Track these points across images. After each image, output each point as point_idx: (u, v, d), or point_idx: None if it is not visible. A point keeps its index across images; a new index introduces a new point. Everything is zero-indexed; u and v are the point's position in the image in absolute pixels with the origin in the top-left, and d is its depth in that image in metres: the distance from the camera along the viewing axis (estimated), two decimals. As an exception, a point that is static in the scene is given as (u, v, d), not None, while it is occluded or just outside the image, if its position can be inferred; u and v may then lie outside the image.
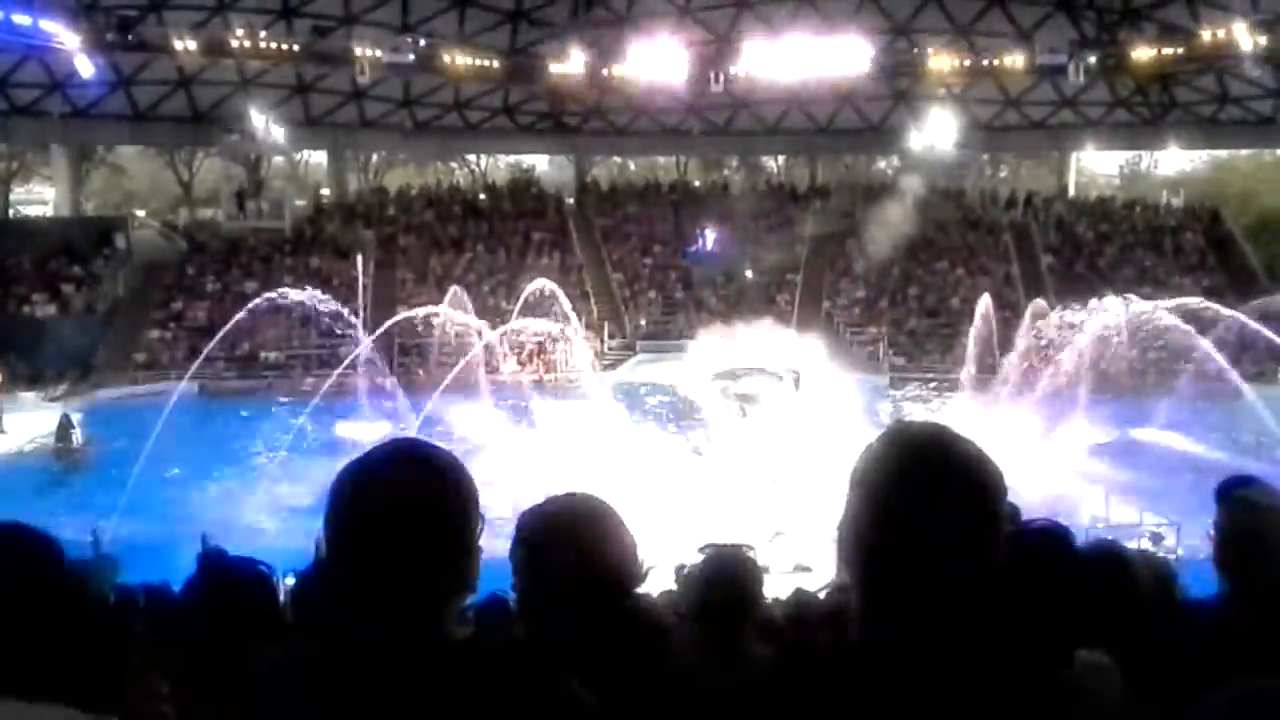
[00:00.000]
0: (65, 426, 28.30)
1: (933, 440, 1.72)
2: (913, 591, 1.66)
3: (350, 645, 1.73)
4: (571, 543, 2.33)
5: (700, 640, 3.60)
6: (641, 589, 2.55)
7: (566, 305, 33.49)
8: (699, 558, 3.92)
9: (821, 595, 7.31)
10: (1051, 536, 2.41)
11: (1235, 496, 3.02)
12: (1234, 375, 29.34)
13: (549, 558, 2.32)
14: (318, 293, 33.29)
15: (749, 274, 45.23)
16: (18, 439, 29.28)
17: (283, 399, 36.02)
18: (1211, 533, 3.09)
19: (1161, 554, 15.13)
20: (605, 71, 42.75)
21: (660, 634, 2.75)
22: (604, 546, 2.38)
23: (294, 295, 31.42)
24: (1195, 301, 32.00)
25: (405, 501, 1.72)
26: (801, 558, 16.16)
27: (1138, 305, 29.77)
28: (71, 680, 3.27)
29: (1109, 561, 2.71)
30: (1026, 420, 32.10)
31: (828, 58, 42.41)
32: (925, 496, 1.65)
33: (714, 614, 3.57)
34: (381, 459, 1.78)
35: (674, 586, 4.70)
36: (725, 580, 3.63)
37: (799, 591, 7.16)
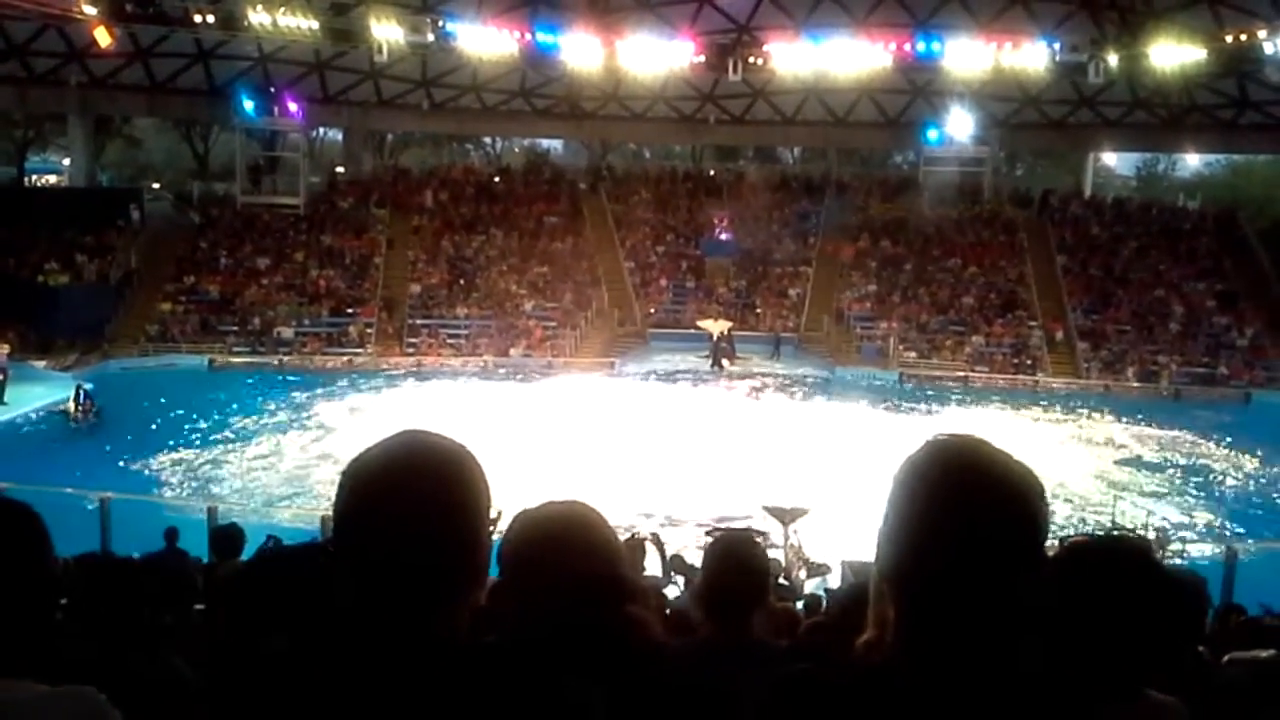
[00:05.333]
0: (80, 397, 28.39)
1: (972, 454, 1.70)
2: (951, 609, 1.63)
3: (353, 640, 1.71)
4: (567, 551, 2.28)
5: (708, 624, 3.58)
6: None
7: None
8: (708, 541, 3.89)
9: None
10: (1127, 557, 2.27)
11: None
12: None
13: (543, 567, 2.26)
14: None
15: (761, 266, 45.20)
16: (25, 408, 29.29)
17: (292, 375, 36.17)
18: None
19: (1168, 557, 15.13)
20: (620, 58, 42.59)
21: (654, 641, 2.72)
22: (599, 554, 2.34)
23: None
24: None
25: (416, 495, 1.70)
26: (818, 557, 16.12)
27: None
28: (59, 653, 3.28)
29: (1189, 592, 2.47)
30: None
31: (847, 53, 42.24)
32: (965, 511, 1.63)
33: (721, 597, 3.54)
34: (393, 451, 1.76)
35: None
36: (733, 564, 3.61)
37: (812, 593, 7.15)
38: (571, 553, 2.26)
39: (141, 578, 3.71)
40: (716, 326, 39.28)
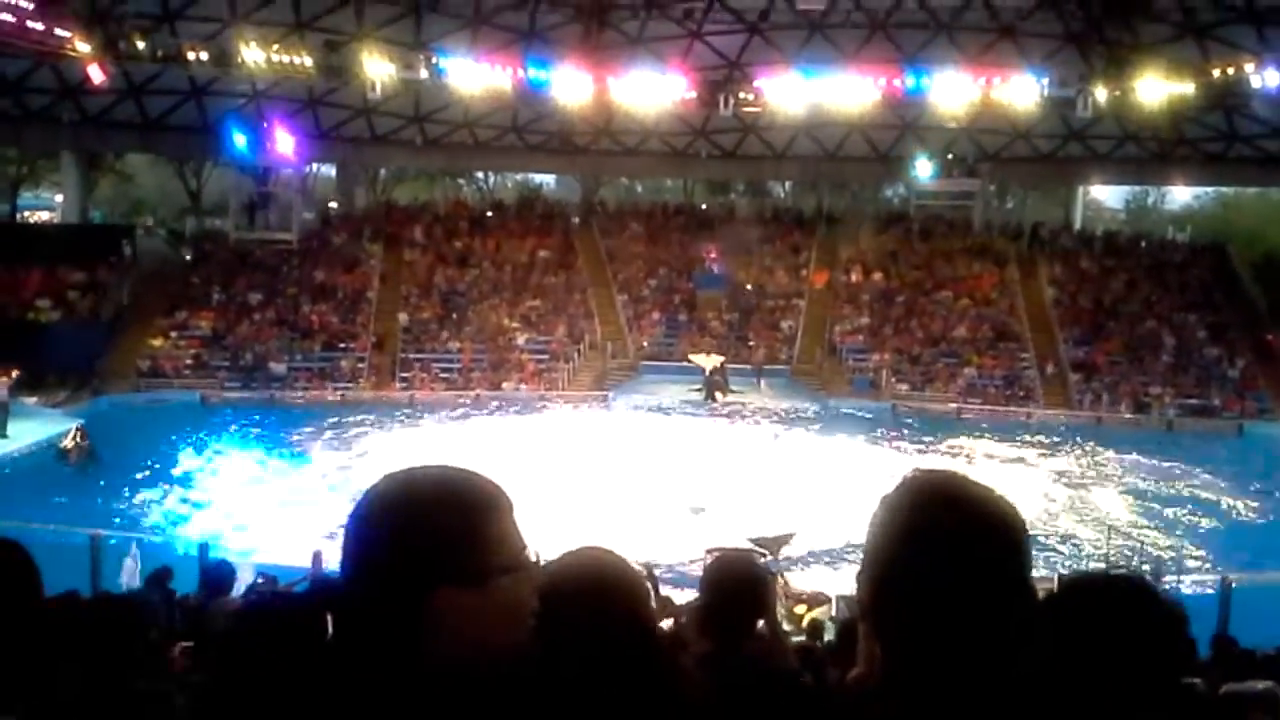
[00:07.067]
0: (76, 435, 28.28)
1: (946, 487, 1.68)
2: (929, 647, 1.62)
3: (370, 670, 1.67)
4: (614, 597, 2.26)
5: (704, 642, 3.57)
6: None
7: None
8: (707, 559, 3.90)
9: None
10: (1127, 595, 2.24)
11: None
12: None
13: (579, 620, 2.20)
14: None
15: (754, 298, 45.31)
16: (20, 443, 29.21)
17: (285, 411, 36.06)
18: None
19: (1164, 588, 15.06)
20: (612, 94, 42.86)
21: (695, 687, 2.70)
22: (635, 603, 2.33)
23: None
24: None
25: (440, 527, 1.65)
26: (813, 589, 16.06)
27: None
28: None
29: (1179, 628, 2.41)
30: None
31: (837, 89, 42.56)
32: (937, 548, 1.61)
33: (719, 615, 3.54)
34: (410, 483, 1.71)
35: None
36: (732, 582, 3.60)
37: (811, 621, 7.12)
38: (618, 599, 2.24)
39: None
40: (708, 361, 39.27)
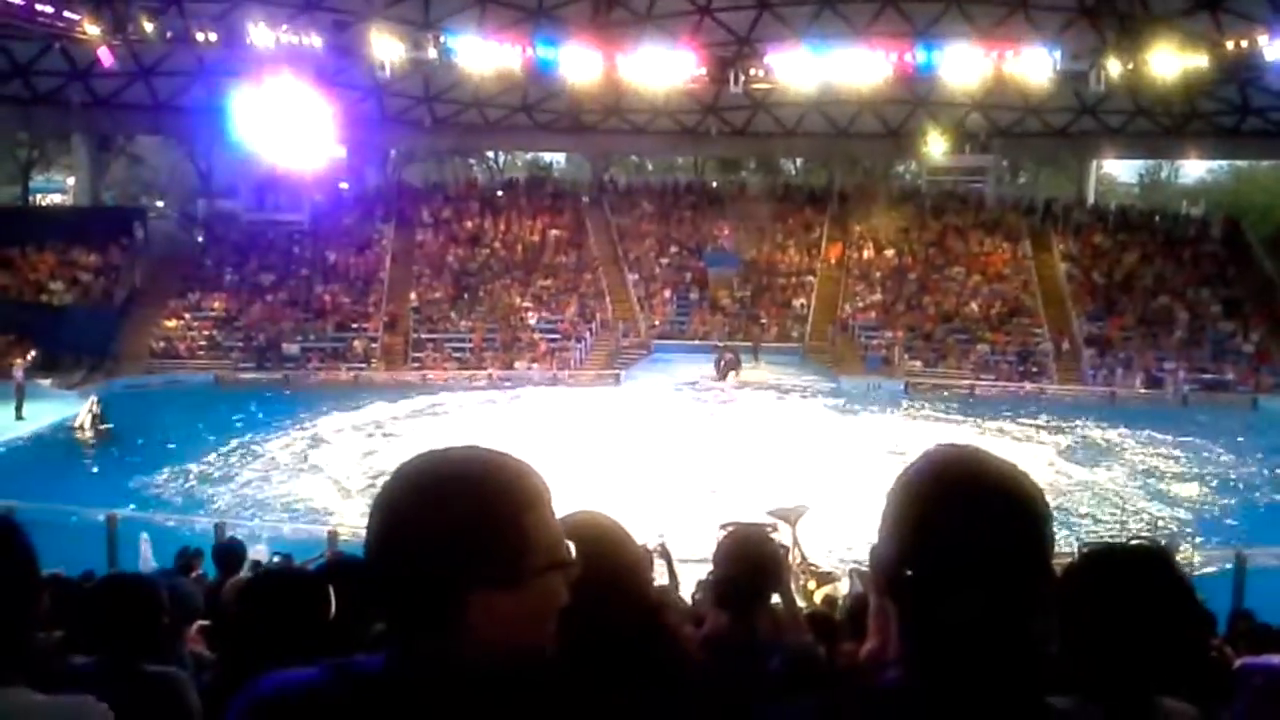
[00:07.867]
0: (94, 410, 28.45)
1: (969, 462, 1.66)
2: (953, 617, 1.59)
3: (395, 659, 1.65)
4: (603, 560, 2.24)
5: (717, 614, 3.59)
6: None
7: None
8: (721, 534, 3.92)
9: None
10: (1148, 563, 2.20)
11: None
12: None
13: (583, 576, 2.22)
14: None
15: (765, 277, 45.18)
16: (36, 425, 29.38)
17: (298, 391, 36.17)
18: None
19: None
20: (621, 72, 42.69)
21: (689, 648, 2.70)
22: (632, 562, 2.32)
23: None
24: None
25: (478, 525, 1.55)
26: (826, 566, 16.09)
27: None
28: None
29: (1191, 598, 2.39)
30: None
31: (848, 64, 42.31)
32: (957, 521, 1.59)
33: (733, 589, 3.55)
34: (446, 469, 1.61)
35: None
36: (745, 557, 3.61)
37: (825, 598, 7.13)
38: (606, 561, 2.22)
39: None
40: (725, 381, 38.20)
